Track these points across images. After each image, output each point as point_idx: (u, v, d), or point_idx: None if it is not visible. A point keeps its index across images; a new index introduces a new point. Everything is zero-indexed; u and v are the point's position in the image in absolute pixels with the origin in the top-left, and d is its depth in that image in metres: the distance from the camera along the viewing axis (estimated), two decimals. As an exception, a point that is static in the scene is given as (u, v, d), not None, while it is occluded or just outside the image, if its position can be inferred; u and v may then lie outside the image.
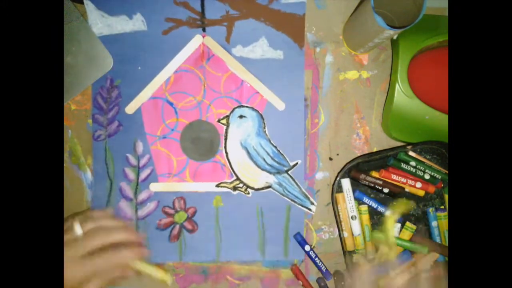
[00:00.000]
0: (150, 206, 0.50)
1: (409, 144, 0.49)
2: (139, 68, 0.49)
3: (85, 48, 0.48)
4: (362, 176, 0.49)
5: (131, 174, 0.49)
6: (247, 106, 0.50)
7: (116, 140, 0.49)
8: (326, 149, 0.52)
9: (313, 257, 0.50)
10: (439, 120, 0.48)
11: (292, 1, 0.50)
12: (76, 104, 0.50)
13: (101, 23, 0.48)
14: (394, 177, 0.49)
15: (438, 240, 0.50)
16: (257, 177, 0.49)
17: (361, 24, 0.45)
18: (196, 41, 0.49)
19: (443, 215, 0.50)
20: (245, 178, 0.49)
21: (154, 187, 0.49)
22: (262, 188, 0.50)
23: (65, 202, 0.49)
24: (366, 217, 0.49)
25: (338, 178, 0.49)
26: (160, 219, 0.50)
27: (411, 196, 0.51)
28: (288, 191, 0.50)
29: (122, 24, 0.49)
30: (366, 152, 0.52)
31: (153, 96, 0.49)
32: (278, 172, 0.49)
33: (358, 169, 0.50)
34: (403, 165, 0.49)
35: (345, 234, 0.49)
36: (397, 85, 0.48)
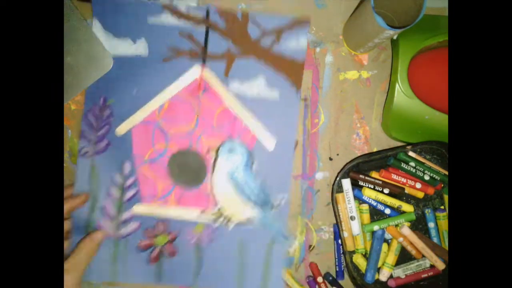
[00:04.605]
0: (132, 226, 0.49)
1: (409, 144, 0.49)
2: (135, 90, 0.49)
3: (85, 48, 0.48)
4: (362, 177, 0.49)
5: (116, 193, 0.49)
6: (237, 141, 0.48)
7: (104, 159, 0.49)
8: (326, 149, 0.52)
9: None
10: (439, 120, 0.48)
11: (293, 48, 0.50)
12: (76, 104, 0.50)
13: (104, 43, 0.48)
14: (394, 177, 0.49)
15: (435, 240, 0.50)
16: (241, 211, 0.48)
17: (361, 24, 0.45)
18: (195, 71, 0.49)
19: (442, 216, 0.50)
20: (228, 211, 0.48)
21: (138, 208, 0.49)
22: (245, 222, 0.49)
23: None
24: (367, 216, 0.49)
25: (338, 178, 0.49)
26: (140, 240, 0.49)
27: (410, 197, 0.51)
28: (270, 228, 0.49)
29: (125, 47, 0.49)
30: (366, 152, 0.52)
31: (145, 120, 0.49)
32: (263, 208, 0.48)
33: (358, 170, 0.50)
34: (403, 165, 0.49)
35: (345, 234, 0.49)
36: (397, 85, 0.48)
